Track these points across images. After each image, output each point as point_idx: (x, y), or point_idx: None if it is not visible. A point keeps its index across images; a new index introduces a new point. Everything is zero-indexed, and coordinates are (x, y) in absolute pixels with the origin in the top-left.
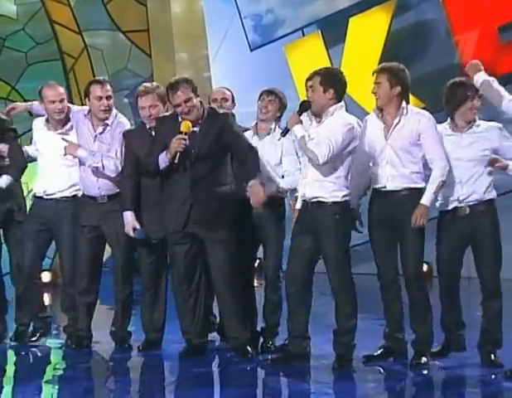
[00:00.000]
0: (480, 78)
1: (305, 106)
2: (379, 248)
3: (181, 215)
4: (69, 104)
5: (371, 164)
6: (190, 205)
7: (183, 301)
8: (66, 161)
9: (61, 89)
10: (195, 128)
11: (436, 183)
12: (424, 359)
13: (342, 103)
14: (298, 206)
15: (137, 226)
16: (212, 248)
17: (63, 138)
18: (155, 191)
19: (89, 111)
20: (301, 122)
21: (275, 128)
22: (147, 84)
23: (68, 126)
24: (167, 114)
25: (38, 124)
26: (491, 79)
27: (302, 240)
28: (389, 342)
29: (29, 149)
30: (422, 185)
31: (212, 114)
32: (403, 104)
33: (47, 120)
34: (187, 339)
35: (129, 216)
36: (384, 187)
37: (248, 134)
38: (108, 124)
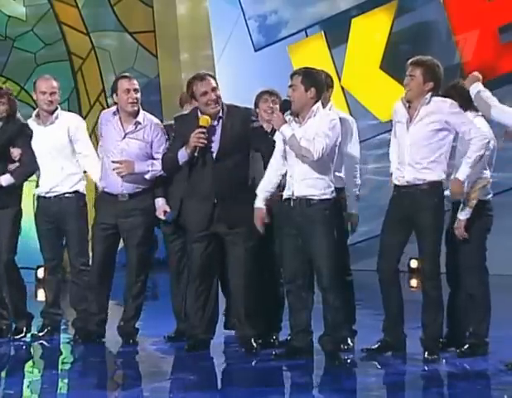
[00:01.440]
0: (474, 90)
1: (286, 105)
2: (388, 244)
3: (204, 215)
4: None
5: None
6: (213, 203)
7: (194, 297)
8: (57, 154)
9: (54, 83)
10: (214, 123)
11: (472, 157)
12: (435, 356)
13: (320, 101)
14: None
15: (168, 209)
16: (231, 242)
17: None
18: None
19: (117, 109)
20: (285, 121)
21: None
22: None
23: (54, 115)
24: (186, 112)
25: (30, 120)
26: (482, 90)
27: (293, 239)
28: (388, 336)
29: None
30: (442, 177)
31: (232, 108)
32: (428, 94)
33: (37, 115)
34: (192, 334)
35: (160, 201)
36: (403, 177)
37: None
38: (139, 122)
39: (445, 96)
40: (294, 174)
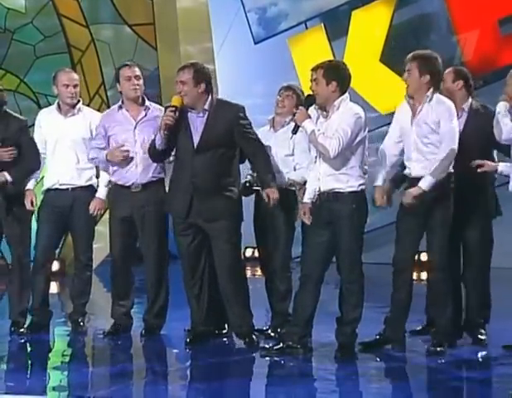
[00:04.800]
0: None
1: (310, 100)
2: (403, 235)
3: (183, 206)
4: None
5: (404, 151)
6: (191, 195)
7: (188, 290)
8: (75, 146)
9: (75, 76)
10: (200, 115)
11: (435, 166)
12: (441, 348)
13: (347, 94)
14: (306, 199)
15: None
16: (215, 238)
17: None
18: None
19: (122, 102)
20: (309, 117)
21: (289, 122)
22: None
23: (77, 108)
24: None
25: (47, 111)
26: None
27: (319, 235)
28: (389, 328)
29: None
30: (450, 170)
31: (222, 104)
32: (429, 91)
33: (58, 107)
34: (192, 327)
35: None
36: (410, 174)
37: (264, 127)
38: (148, 107)
39: None
40: (321, 169)
